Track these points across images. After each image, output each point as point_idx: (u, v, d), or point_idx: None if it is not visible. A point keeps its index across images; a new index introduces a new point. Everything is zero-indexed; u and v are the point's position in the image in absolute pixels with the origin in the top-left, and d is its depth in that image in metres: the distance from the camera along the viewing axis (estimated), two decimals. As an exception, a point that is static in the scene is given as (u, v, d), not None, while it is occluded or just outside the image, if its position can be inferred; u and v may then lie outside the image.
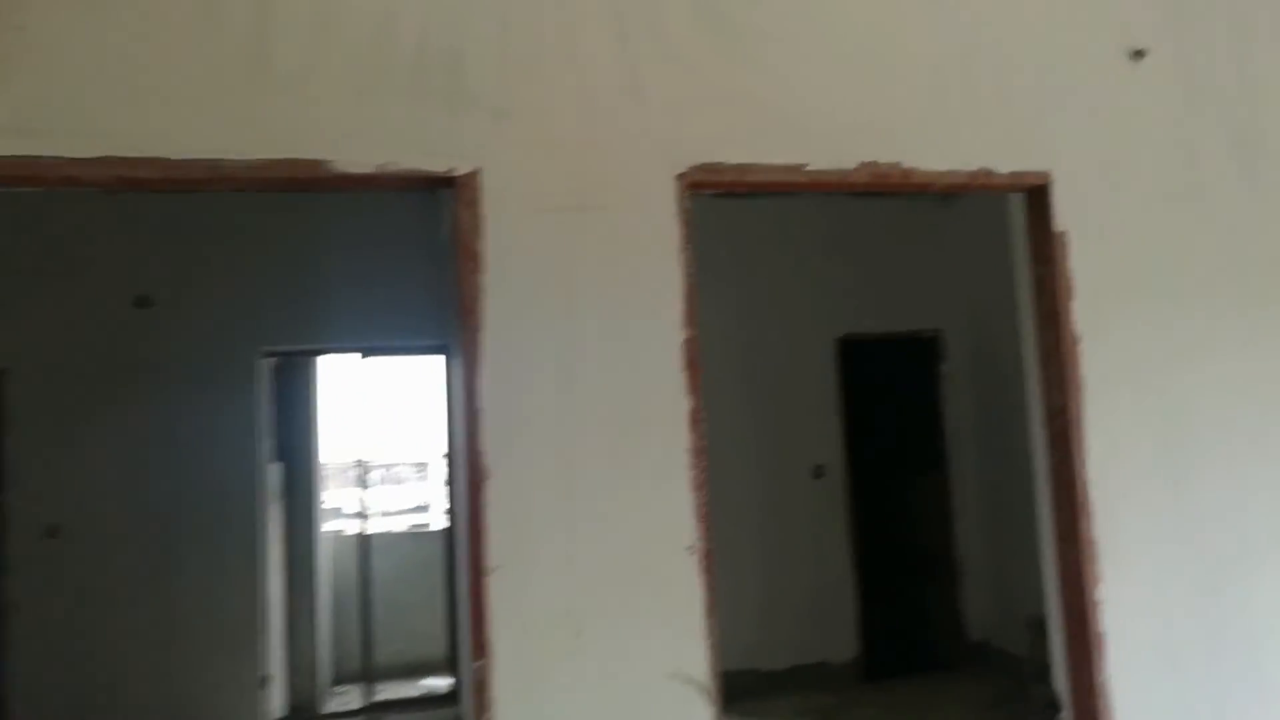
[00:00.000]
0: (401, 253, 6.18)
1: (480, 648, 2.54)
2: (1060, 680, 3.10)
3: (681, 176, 2.80)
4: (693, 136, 2.82)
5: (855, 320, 6.92)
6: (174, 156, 2.46)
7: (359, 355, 6.43)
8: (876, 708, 6.10)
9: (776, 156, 2.86)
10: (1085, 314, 3.01)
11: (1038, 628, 5.92)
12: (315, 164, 2.56)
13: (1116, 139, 3.11)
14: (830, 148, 2.90)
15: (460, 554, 5.31)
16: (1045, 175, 3.03)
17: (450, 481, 6.50)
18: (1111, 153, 3.10)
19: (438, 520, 12.01)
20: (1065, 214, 3.03)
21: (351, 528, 7.87)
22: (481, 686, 2.52)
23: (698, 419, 2.76)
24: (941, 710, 5.98)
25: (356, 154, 2.59)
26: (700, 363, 2.78)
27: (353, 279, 6.08)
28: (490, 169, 2.68)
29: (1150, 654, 2.97)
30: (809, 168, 2.89)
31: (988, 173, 3.00)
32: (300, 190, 2.70)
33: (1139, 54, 3.11)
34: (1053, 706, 5.70)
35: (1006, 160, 3.02)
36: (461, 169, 2.66)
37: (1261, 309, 3.16)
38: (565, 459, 2.66)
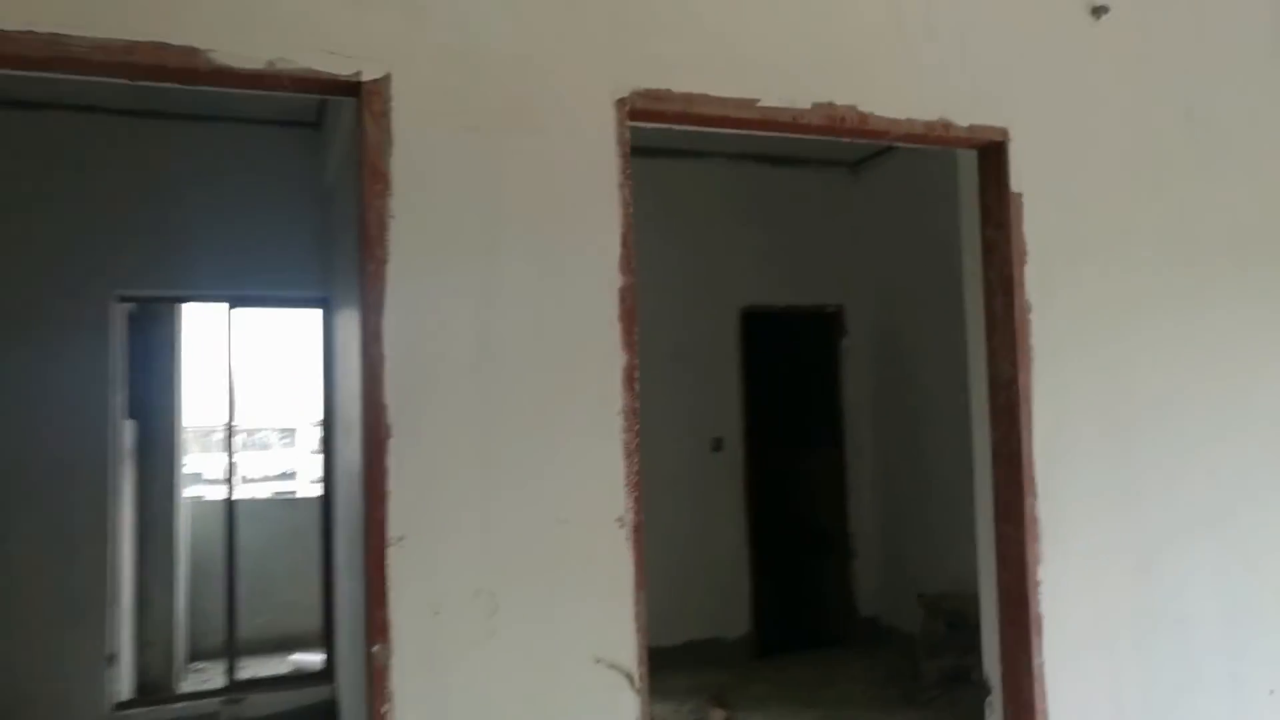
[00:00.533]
0: (279, 193, 5.62)
1: (379, 629, 2.18)
2: (991, 662, 2.97)
3: (622, 102, 2.48)
4: (636, 58, 2.50)
5: (759, 292, 6.74)
6: (5, 27, 1.98)
7: (227, 306, 5.85)
8: (770, 684, 5.99)
9: (727, 89, 2.57)
10: (1036, 280, 2.85)
11: (930, 605, 5.91)
12: (189, 52, 2.12)
13: (1074, 99, 2.95)
14: (785, 84, 2.63)
15: (344, 522, 4.88)
16: (1003, 132, 2.85)
17: (327, 445, 6.01)
18: (1069, 113, 2.94)
19: (305, 488, 11.37)
20: (1021, 174, 2.86)
21: (215, 494, 7.27)
22: (380, 674, 2.17)
23: (633, 377, 2.46)
24: (834, 687, 5.91)
25: (242, 46, 2.17)
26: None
27: (222, 220, 5.48)
28: (403, 76, 2.29)
29: (1084, 636, 2.85)
30: (761, 104, 2.61)
31: (945, 125, 2.79)
32: (169, 83, 2.25)
33: (1099, 10, 2.95)
34: (946, 682, 5.71)
35: (965, 113, 2.81)
36: (369, 73, 2.26)
37: (1203, 280, 3.07)
38: (482, 416, 2.32)
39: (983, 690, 3.01)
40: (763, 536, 6.71)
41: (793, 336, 7.16)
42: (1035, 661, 2.78)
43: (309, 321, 6.19)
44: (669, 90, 2.51)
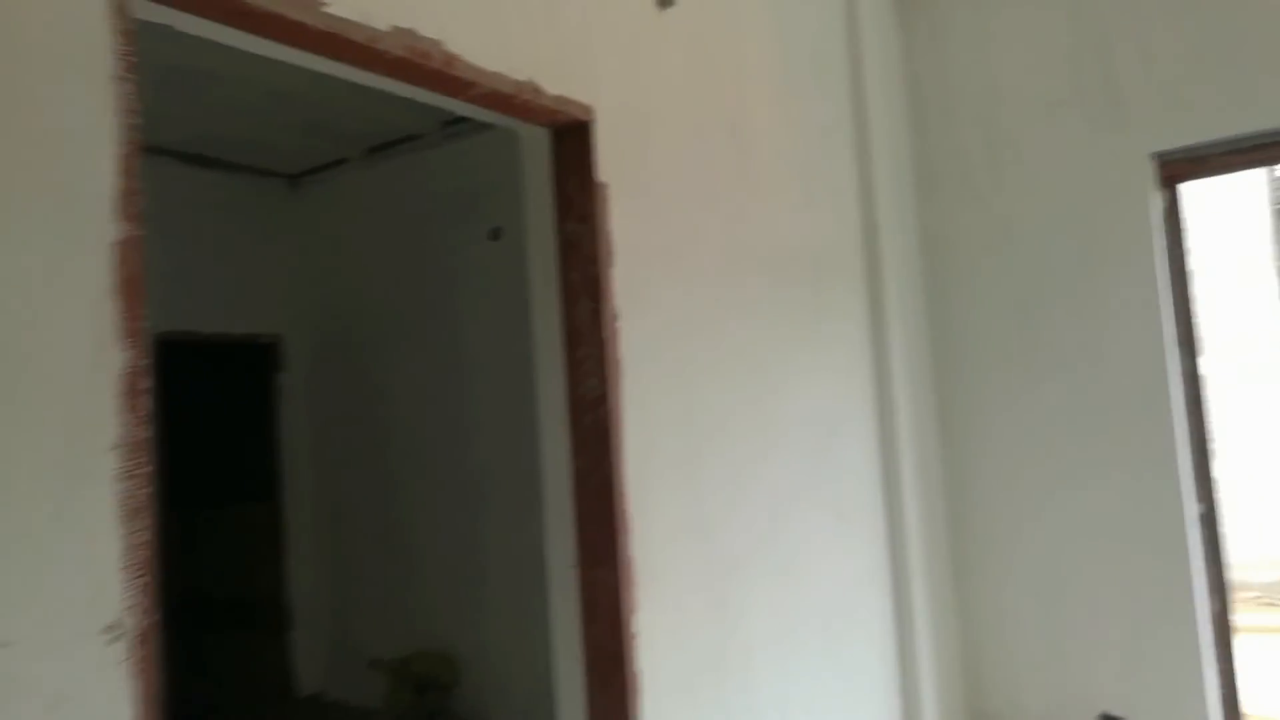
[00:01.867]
0: None
1: None
2: (572, 737, 2.49)
3: (121, -50, 1.54)
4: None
5: (180, 316, 5.50)
6: None
7: None
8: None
9: (285, -23, 1.78)
10: (623, 284, 2.50)
11: (397, 670, 5.27)
12: None
13: (649, 91, 2.70)
14: (360, -8, 1.92)
15: None
16: (589, 110, 2.46)
17: None
18: (645, 105, 2.68)
19: None
20: (606, 162, 2.49)
21: None
22: None
23: (139, 389, 1.51)
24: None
25: None
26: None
27: None
28: None
29: (675, 687, 2.53)
30: (330, 10, 1.86)
31: (534, 89, 2.31)
32: None
33: (666, 3, 2.75)
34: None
35: (554, 80, 2.37)
36: None
37: (750, 296, 3.02)
38: None
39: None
40: (179, 618, 5.41)
41: (222, 372, 6.01)
42: (631, 728, 2.38)
43: None
44: (200, -44, 1.64)
